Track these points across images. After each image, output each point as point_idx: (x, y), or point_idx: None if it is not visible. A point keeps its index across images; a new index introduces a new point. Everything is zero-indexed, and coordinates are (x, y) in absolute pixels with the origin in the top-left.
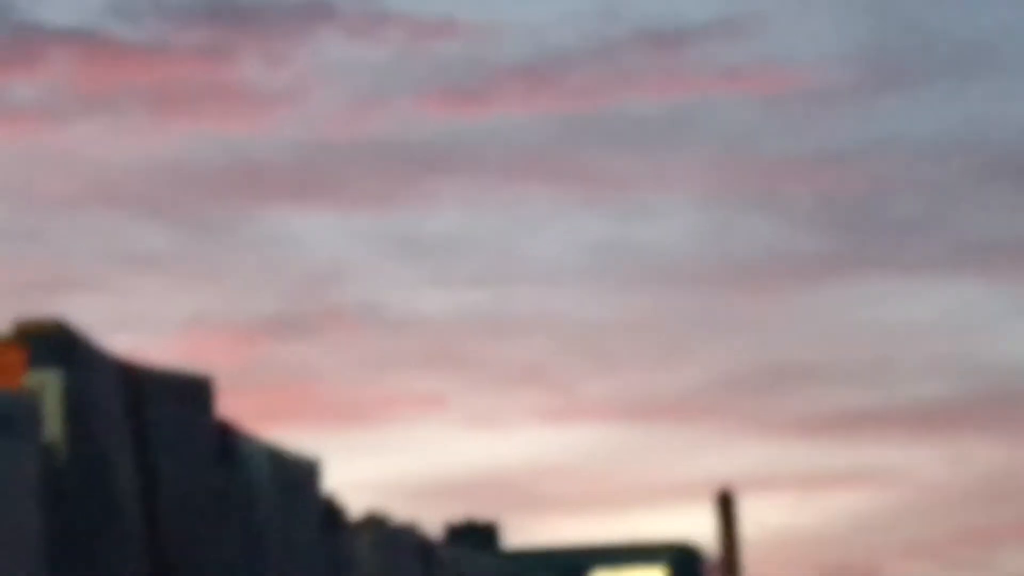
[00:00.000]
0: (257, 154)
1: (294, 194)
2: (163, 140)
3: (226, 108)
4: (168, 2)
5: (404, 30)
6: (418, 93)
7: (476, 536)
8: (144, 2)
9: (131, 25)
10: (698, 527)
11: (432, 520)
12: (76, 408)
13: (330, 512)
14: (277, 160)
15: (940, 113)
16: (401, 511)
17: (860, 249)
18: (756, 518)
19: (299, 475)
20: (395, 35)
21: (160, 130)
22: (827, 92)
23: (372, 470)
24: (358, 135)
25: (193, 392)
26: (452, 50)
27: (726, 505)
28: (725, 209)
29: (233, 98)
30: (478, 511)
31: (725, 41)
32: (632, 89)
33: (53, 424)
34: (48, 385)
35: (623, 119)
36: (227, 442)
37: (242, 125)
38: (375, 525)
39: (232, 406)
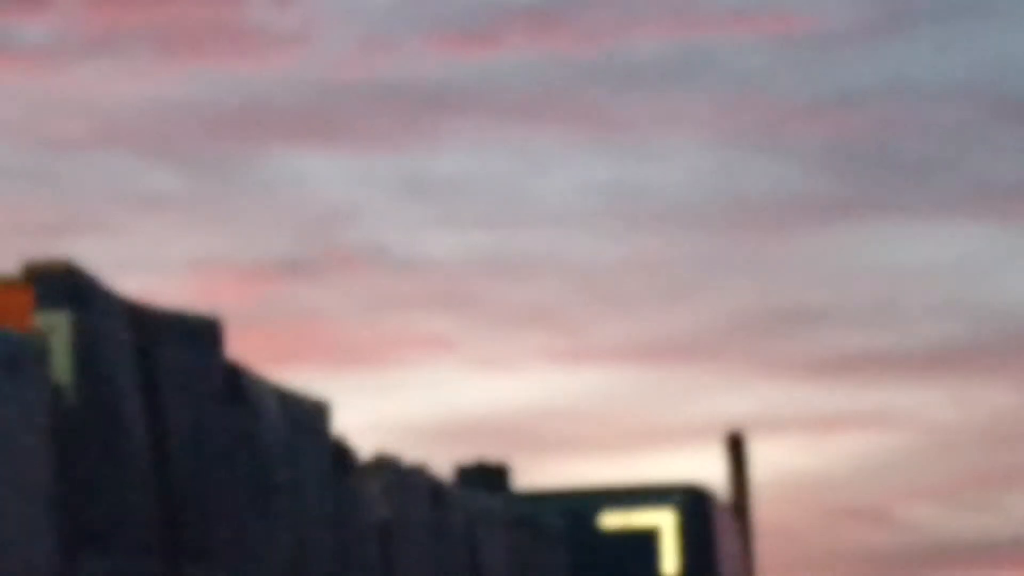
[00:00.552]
0: (264, 95)
1: (301, 135)
2: (169, 81)
3: (233, 48)
4: None
5: None
6: (426, 33)
7: (487, 478)
8: None
9: None
10: (708, 469)
11: (441, 462)
12: (85, 350)
13: (339, 453)
14: (284, 101)
15: (952, 55)
16: (410, 453)
17: (870, 192)
18: (766, 460)
19: (308, 416)
20: None
21: (166, 71)
22: (836, 34)
23: (380, 411)
24: (366, 76)
25: (201, 333)
26: None
27: (736, 447)
28: (734, 151)
29: (240, 38)
30: (488, 453)
31: None
32: (640, 30)
33: (62, 366)
34: (56, 326)
35: (631, 61)
36: (236, 383)
37: (249, 65)
38: (384, 467)
39: (240, 347)
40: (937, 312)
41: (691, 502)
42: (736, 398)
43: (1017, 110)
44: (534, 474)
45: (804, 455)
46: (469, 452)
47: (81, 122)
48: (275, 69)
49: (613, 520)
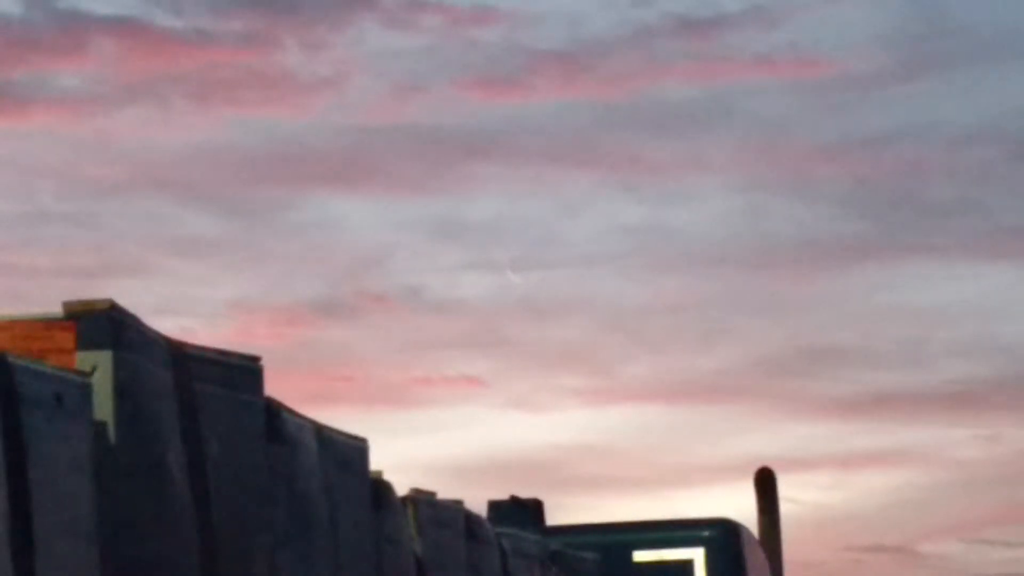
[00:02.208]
0: (299, 140)
1: (335, 179)
2: (206, 127)
3: (268, 95)
4: None
5: (442, 17)
6: (456, 79)
7: (521, 514)
8: None
9: (172, 13)
10: (738, 505)
11: (476, 499)
12: (126, 387)
13: (377, 490)
14: (318, 146)
15: (973, 99)
16: (445, 490)
17: (893, 233)
18: (794, 497)
19: (346, 454)
20: (433, 22)
21: (203, 117)
22: (859, 78)
23: (415, 450)
24: (397, 121)
25: (240, 372)
26: (489, 37)
27: (765, 484)
28: (759, 193)
29: (274, 85)
30: (521, 490)
31: (757, 28)
32: (666, 75)
33: (103, 404)
34: (98, 365)
35: (658, 105)
36: (274, 421)
37: (283, 111)
38: (420, 503)
39: (276, 388)
40: (961, 352)
41: (721, 537)
42: (764, 436)
43: None
44: (567, 511)
45: (831, 492)
46: (503, 490)
47: (120, 167)
48: (309, 115)
49: (646, 555)
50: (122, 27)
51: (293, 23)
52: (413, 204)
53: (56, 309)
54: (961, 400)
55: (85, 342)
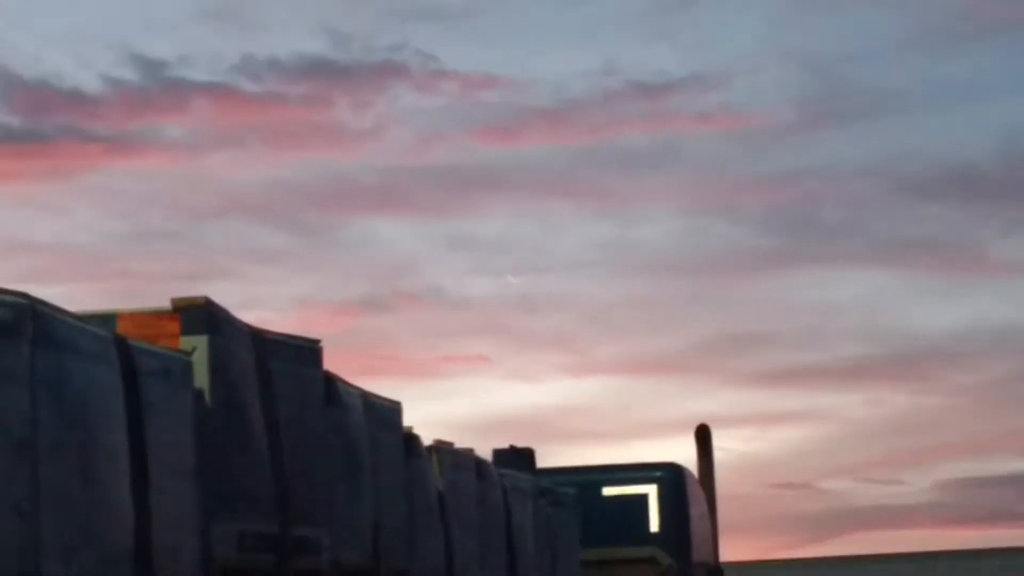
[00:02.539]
0: (348, 176)
1: (376, 206)
2: (278, 166)
3: (325, 142)
4: (281, 63)
5: (457, 84)
6: (468, 130)
7: (517, 459)
8: (263, 63)
9: (253, 80)
10: (682, 453)
11: (483, 448)
12: (218, 364)
13: (408, 441)
14: (363, 181)
15: (860, 145)
16: (460, 441)
17: (799, 247)
18: (724, 446)
19: (385, 414)
20: (450, 87)
21: (276, 159)
22: (774, 129)
23: (438, 411)
24: (424, 162)
25: (304, 352)
26: (492, 98)
27: (703, 437)
28: (699, 218)
29: (329, 135)
30: (517, 441)
31: (697, 92)
32: (628, 128)
33: (201, 377)
34: (197, 347)
35: (622, 150)
36: (330, 390)
37: (336, 155)
38: (442, 451)
39: (333, 363)
40: (852, 337)
41: (670, 476)
42: (702, 400)
43: (912, 186)
44: (553, 457)
45: (753, 443)
46: (503, 441)
47: (212, 197)
48: (355, 157)
49: (613, 491)
50: (215, 91)
51: (344, 88)
52: (435, 225)
53: (165, 304)
54: (852, 373)
55: (187, 329)
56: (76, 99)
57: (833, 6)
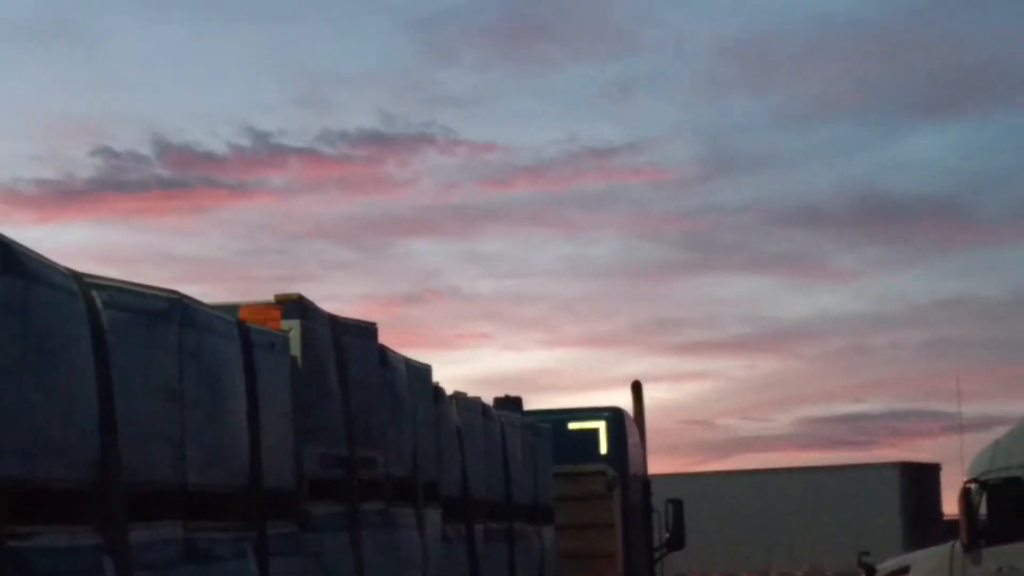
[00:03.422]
0: (395, 212)
1: (414, 232)
2: (345, 204)
3: (379, 189)
4: (349, 134)
5: (469, 148)
6: (477, 180)
7: (510, 405)
8: (336, 134)
9: (330, 146)
10: (623, 400)
11: (487, 397)
12: (308, 340)
13: (436, 392)
14: (405, 215)
15: (746, 190)
16: (471, 392)
17: (704, 260)
18: (651, 396)
19: (420, 373)
20: (464, 151)
21: (343, 199)
22: (687, 179)
23: (456, 371)
24: (444, 202)
25: (365, 331)
26: (493, 158)
27: (637, 389)
28: (635, 241)
29: (383, 184)
30: (510, 392)
31: (633, 154)
32: (585, 178)
33: (295, 348)
34: (293, 328)
35: (580, 195)
36: (383, 357)
37: (388, 197)
38: (459, 399)
39: (384, 338)
40: (738, 321)
41: (614, 416)
42: (637, 365)
43: (779, 218)
44: (535, 403)
45: (669, 393)
46: (500, 392)
47: (303, 226)
48: (400, 199)
49: (575, 425)
50: (303, 154)
51: (392, 152)
52: (454, 244)
53: (271, 299)
54: (737, 346)
55: (286, 315)
56: (209, 158)
57: (725, 94)
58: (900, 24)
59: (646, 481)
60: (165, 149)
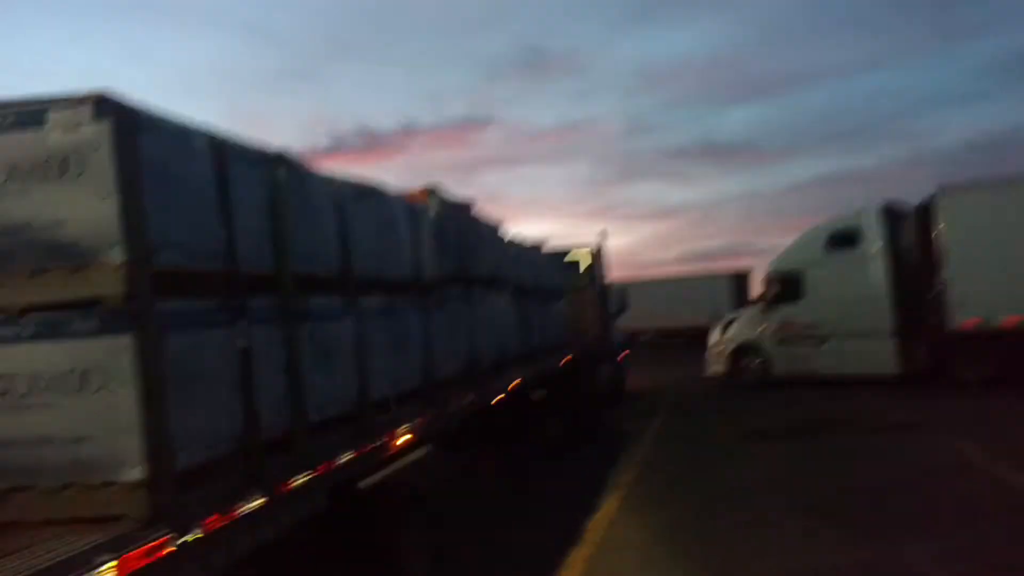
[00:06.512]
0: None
1: None
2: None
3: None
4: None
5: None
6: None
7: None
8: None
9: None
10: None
11: None
12: (440, 214)
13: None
14: None
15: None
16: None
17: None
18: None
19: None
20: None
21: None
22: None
23: None
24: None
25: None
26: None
27: (603, 234)
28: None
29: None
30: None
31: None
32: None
33: (434, 210)
34: (433, 204)
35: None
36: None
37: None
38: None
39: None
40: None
41: (595, 251)
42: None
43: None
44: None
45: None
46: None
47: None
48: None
49: (570, 257)
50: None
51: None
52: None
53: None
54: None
55: (430, 199)
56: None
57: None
58: None
59: (608, 284)
60: (334, 128)
